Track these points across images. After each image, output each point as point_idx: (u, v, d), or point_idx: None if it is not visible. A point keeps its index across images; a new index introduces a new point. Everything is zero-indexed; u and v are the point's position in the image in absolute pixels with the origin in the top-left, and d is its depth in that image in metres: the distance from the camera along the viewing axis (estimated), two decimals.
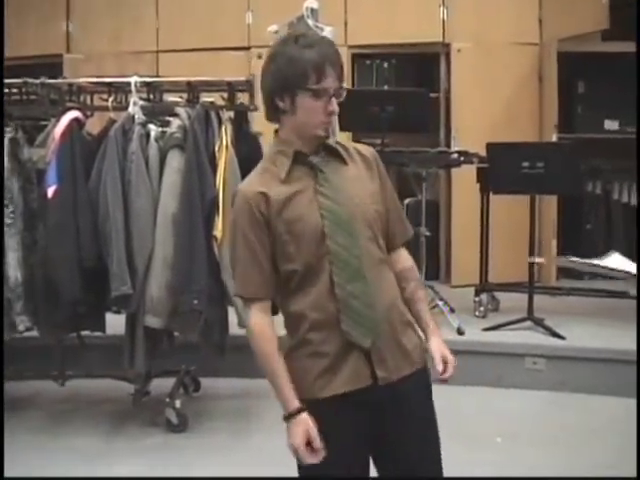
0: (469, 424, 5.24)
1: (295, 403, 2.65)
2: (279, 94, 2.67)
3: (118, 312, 5.24)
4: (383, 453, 2.79)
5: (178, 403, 5.30)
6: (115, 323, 5.30)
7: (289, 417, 2.65)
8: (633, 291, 5.56)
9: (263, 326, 2.71)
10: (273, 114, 2.73)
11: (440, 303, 6.48)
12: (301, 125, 2.68)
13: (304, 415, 2.63)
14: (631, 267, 2.47)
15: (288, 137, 2.72)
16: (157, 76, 7.41)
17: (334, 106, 2.66)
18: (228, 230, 2.76)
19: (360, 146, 2.89)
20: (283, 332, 2.81)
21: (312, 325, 2.67)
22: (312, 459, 2.62)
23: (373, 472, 2.84)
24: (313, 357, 2.69)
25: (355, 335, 2.64)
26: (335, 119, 5.88)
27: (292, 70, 2.62)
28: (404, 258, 2.93)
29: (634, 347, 5.42)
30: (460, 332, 6.18)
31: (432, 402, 2.85)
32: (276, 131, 2.77)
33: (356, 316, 2.63)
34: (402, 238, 2.92)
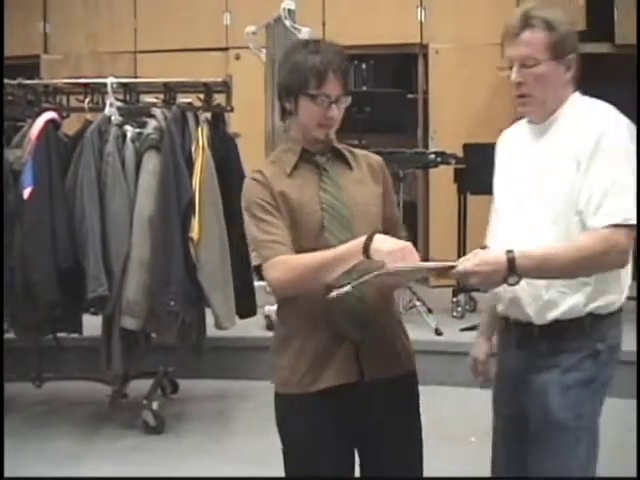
0: (445, 424, 5.23)
1: (358, 242, 2.53)
2: (286, 97, 2.77)
3: (95, 313, 5.22)
4: (366, 450, 2.83)
5: (155, 405, 5.29)
6: (92, 325, 5.29)
7: (366, 248, 2.51)
8: None
9: (290, 256, 2.64)
10: (284, 114, 2.84)
11: (418, 303, 6.49)
12: (303, 126, 2.77)
13: (374, 235, 2.52)
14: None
15: (296, 136, 2.82)
16: (135, 77, 7.43)
17: (333, 112, 2.72)
18: (244, 216, 2.76)
19: (368, 154, 2.98)
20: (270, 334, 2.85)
21: (304, 315, 2.72)
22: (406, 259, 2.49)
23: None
24: (303, 350, 2.73)
25: (346, 328, 2.68)
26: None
27: (295, 75, 2.71)
28: None
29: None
30: (438, 332, 6.19)
31: (418, 407, 2.89)
32: (287, 130, 2.90)
33: (348, 309, 2.66)
34: None
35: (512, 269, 2.48)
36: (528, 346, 2.78)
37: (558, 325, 2.69)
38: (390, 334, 2.81)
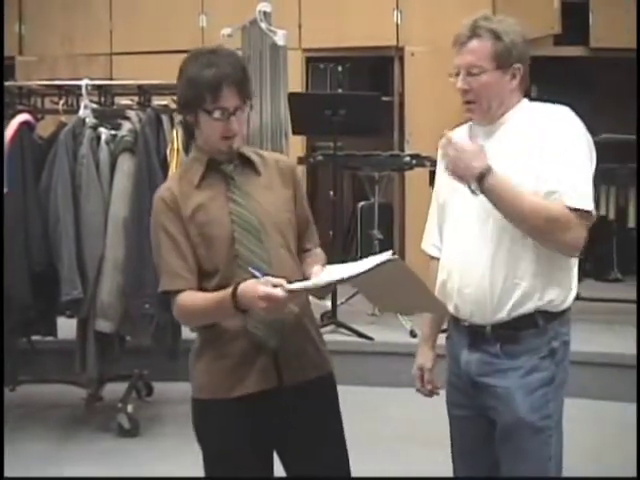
0: (421, 426, 5.22)
1: (227, 290, 2.59)
2: (185, 111, 2.77)
3: (70, 316, 5.20)
4: (288, 453, 2.87)
5: (130, 408, 5.28)
6: (67, 327, 5.27)
7: (234, 297, 2.57)
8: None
9: (185, 299, 2.72)
10: (187, 125, 2.88)
11: None
12: (206, 139, 2.77)
13: (241, 284, 2.57)
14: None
15: (203, 145, 2.80)
16: (111, 79, 7.40)
17: (233, 124, 2.71)
18: (152, 235, 2.81)
19: (280, 157, 3.01)
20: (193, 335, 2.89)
21: (221, 326, 2.73)
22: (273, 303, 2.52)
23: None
24: (221, 357, 2.75)
25: (261, 336, 2.70)
26: (288, 122, 5.95)
27: (189, 91, 2.71)
28: (316, 251, 2.98)
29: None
30: (413, 334, 6.18)
31: (337, 405, 2.92)
32: (195, 138, 2.86)
33: (263, 318, 2.67)
34: (310, 245, 2.98)
35: (489, 169, 2.60)
36: (480, 347, 2.83)
37: (511, 324, 2.74)
38: (307, 340, 2.84)
